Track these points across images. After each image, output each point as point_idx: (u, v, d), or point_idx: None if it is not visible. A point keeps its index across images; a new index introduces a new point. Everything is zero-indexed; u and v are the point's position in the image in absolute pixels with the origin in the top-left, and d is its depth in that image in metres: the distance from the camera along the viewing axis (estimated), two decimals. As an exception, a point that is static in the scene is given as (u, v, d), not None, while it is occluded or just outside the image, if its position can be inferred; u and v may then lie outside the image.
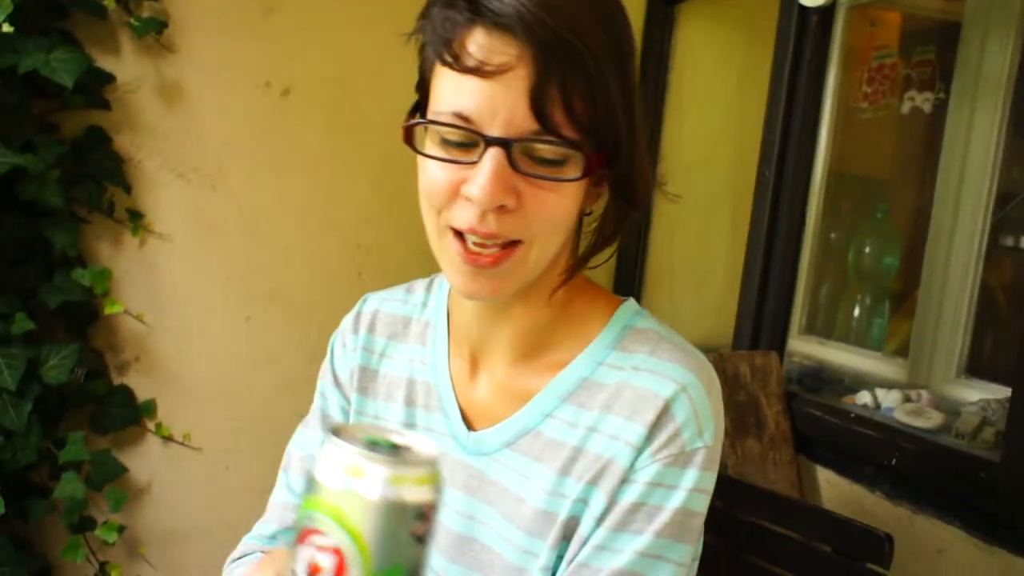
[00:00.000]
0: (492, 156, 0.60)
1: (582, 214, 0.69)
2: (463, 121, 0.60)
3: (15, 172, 1.33)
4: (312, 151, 1.70)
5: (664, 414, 0.65)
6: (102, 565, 1.50)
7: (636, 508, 0.65)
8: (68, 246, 1.43)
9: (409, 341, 0.83)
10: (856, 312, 1.80)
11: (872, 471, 1.14)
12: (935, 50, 1.64)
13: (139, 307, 1.58)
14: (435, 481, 0.46)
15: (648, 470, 0.65)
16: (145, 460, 1.63)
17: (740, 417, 1.22)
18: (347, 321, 0.87)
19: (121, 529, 1.50)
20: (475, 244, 0.63)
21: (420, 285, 0.87)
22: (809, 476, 1.24)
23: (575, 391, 0.70)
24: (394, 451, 0.46)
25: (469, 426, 0.76)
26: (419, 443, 0.47)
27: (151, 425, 1.62)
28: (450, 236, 0.64)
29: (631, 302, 0.74)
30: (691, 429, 0.65)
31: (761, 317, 1.37)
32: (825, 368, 1.57)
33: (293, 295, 1.72)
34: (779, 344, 1.37)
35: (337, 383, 0.85)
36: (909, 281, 1.67)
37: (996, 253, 1.47)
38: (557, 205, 0.63)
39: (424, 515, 0.46)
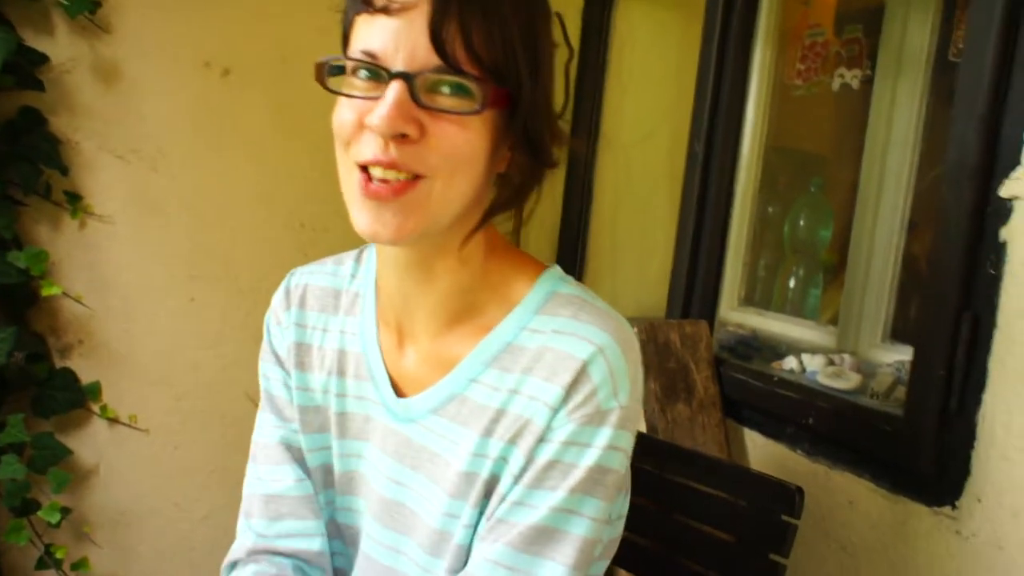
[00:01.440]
0: (393, 88, 0.63)
1: (494, 172, 0.72)
2: (370, 57, 0.64)
3: (-55, 154, 1.32)
4: (254, 131, 1.69)
5: (581, 375, 0.68)
6: (47, 547, 1.50)
7: (551, 465, 0.68)
8: (3, 228, 1.42)
9: (340, 313, 0.85)
10: (792, 283, 1.86)
11: (793, 431, 1.19)
12: (862, 28, 1.69)
13: (81, 289, 1.58)
14: None
15: (564, 429, 0.68)
16: (91, 442, 1.63)
17: (670, 383, 1.26)
18: (277, 298, 0.88)
19: (66, 511, 1.50)
20: (379, 180, 0.65)
21: (349, 257, 0.89)
22: (736, 438, 1.29)
23: (499, 355, 0.73)
24: None
25: (399, 393, 0.79)
26: None
27: (96, 407, 1.61)
28: (356, 173, 0.66)
29: (556, 268, 0.77)
30: (607, 389, 0.68)
31: (692, 288, 1.42)
32: (759, 337, 1.63)
33: (238, 275, 1.73)
34: (709, 314, 1.41)
35: (278, 360, 0.87)
36: (843, 253, 1.73)
37: (918, 224, 1.53)
38: (459, 138, 0.65)
39: None
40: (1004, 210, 0.90)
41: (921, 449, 0.96)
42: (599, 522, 0.69)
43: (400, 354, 0.80)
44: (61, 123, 1.55)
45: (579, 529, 0.68)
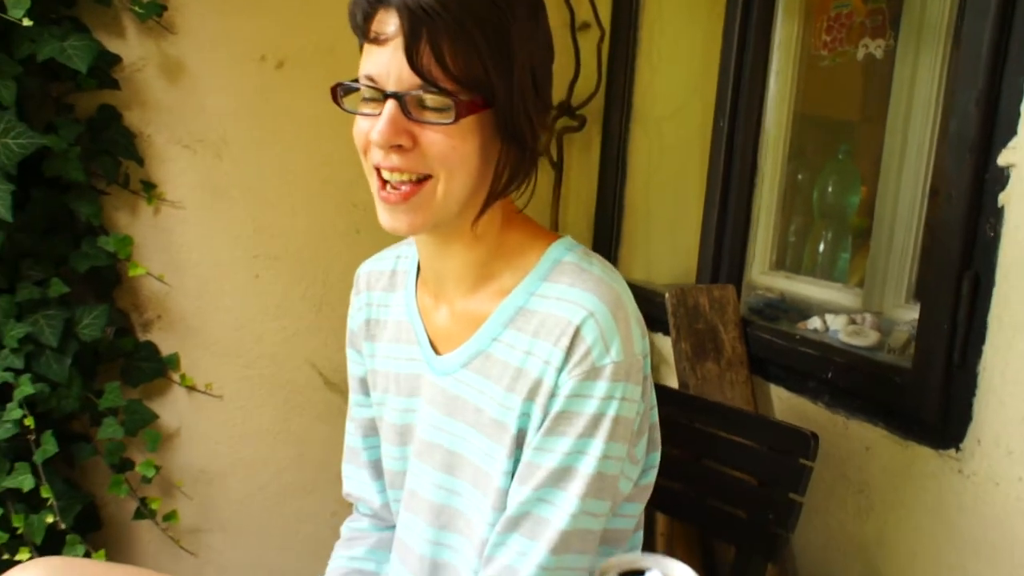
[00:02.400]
0: (388, 107, 0.76)
1: (493, 163, 0.82)
2: (370, 81, 0.78)
3: (40, 151, 1.47)
4: (307, 118, 1.82)
5: (576, 338, 0.79)
6: (143, 500, 1.68)
7: (560, 416, 0.80)
8: (92, 216, 1.58)
9: (396, 290, 0.99)
10: (821, 247, 1.93)
11: (814, 385, 1.29)
12: (887, -2, 1.75)
13: (158, 269, 1.73)
14: None
15: (567, 386, 0.80)
16: (173, 408, 1.80)
17: (699, 343, 1.37)
18: (352, 292, 1.05)
19: (157, 468, 1.68)
20: (391, 186, 0.80)
21: (403, 243, 1.03)
22: (763, 392, 1.39)
23: (514, 317, 0.85)
24: None
25: (436, 351, 0.92)
26: (673, 569, 0.60)
27: (176, 376, 1.78)
28: (375, 176, 0.81)
29: (566, 239, 0.89)
30: (599, 348, 0.79)
31: (720, 255, 1.51)
32: (787, 299, 1.71)
33: (297, 253, 1.87)
34: (737, 278, 1.51)
35: (353, 344, 1.04)
36: (871, 217, 1.80)
37: (939, 191, 1.59)
38: (444, 144, 0.77)
39: None
40: (1002, 177, 0.98)
41: (928, 398, 1.06)
42: (606, 459, 0.81)
43: (436, 316, 0.93)
44: (134, 118, 1.69)
45: (586, 467, 0.80)
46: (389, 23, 0.75)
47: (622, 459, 0.83)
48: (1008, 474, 0.97)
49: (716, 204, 1.50)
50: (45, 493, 1.42)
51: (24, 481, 1.41)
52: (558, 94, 1.95)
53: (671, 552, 1.28)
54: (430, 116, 0.77)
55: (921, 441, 1.08)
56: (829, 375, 1.23)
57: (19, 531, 1.43)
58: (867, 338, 1.31)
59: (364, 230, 1.90)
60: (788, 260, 1.92)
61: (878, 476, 1.16)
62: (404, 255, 1.00)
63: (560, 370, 0.80)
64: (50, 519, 1.44)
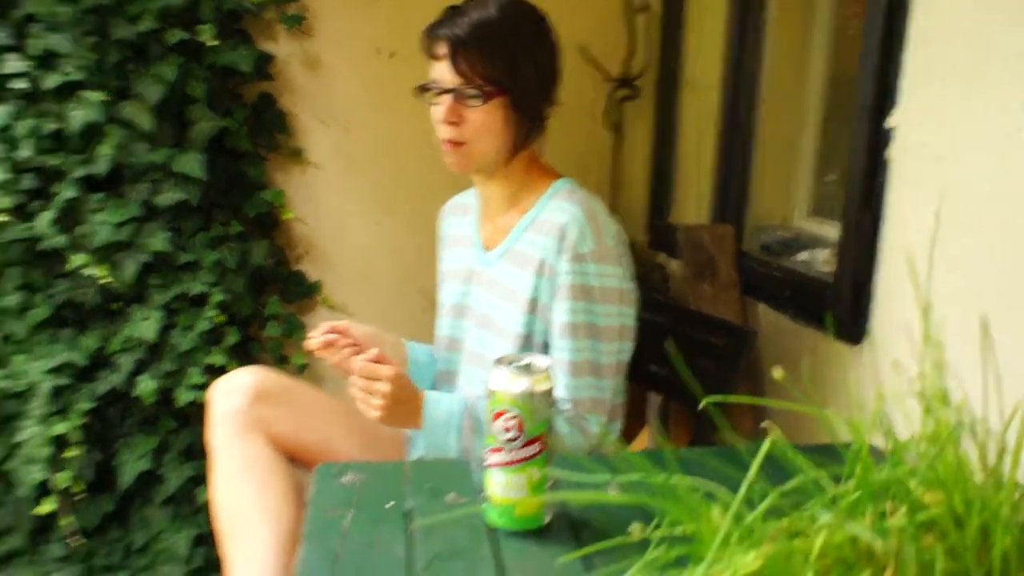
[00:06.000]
0: (444, 99, 1.27)
1: (514, 128, 1.29)
2: (435, 83, 1.27)
3: (221, 130, 2.04)
4: (414, 99, 2.29)
5: (563, 233, 1.26)
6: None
7: (561, 288, 1.27)
8: (257, 176, 2.15)
9: (467, 215, 1.48)
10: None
11: (784, 302, 1.64)
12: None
13: (304, 216, 2.29)
14: (550, 378, 0.89)
15: (562, 266, 1.26)
16: (319, 322, 2.35)
17: (699, 269, 1.74)
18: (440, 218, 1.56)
19: (306, 364, 2.26)
20: (447, 143, 1.29)
21: (473, 188, 1.50)
22: (752, 308, 1.75)
23: (531, 224, 1.32)
24: (526, 367, 0.89)
25: (486, 249, 1.39)
26: (537, 360, 0.90)
27: (320, 298, 2.34)
28: (442, 140, 1.30)
29: (567, 179, 1.36)
30: (577, 239, 1.25)
31: (726, 200, 1.86)
32: (802, 238, 2.03)
33: (408, 203, 2.35)
34: (736, 218, 1.85)
35: (441, 259, 1.53)
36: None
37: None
38: (478, 121, 1.26)
39: (549, 393, 0.88)
40: (888, 137, 1.30)
41: (842, 304, 1.40)
42: (596, 315, 1.26)
43: (486, 227, 1.43)
44: (285, 101, 2.24)
45: (583, 319, 1.25)
46: (441, 48, 1.26)
47: (611, 314, 1.26)
48: (902, 350, 1.31)
49: (723, 159, 1.85)
50: (233, 368, 2.02)
51: (218, 359, 2.02)
52: (616, 69, 2.33)
53: (665, 421, 1.69)
54: (468, 103, 1.25)
55: (844, 339, 1.42)
56: (788, 293, 1.59)
57: (214, 396, 2.05)
58: (832, 265, 1.63)
59: (458, 184, 2.36)
60: (826, 206, 2.21)
61: (817, 365, 1.51)
62: (473, 195, 1.49)
63: (558, 255, 1.25)
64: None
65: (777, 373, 0.63)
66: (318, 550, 0.88)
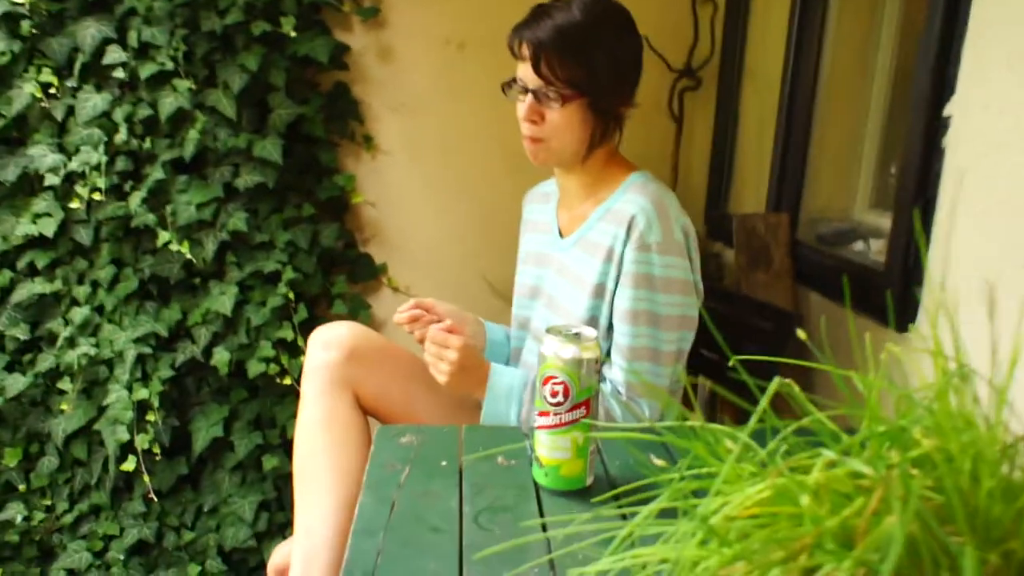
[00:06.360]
0: (527, 97, 1.31)
1: (591, 127, 1.34)
2: (520, 82, 1.33)
3: (298, 116, 2.16)
4: (482, 88, 2.32)
5: (632, 224, 1.30)
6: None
7: (625, 276, 1.31)
8: (329, 161, 2.26)
9: (548, 202, 1.54)
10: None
11: (836, 290, 1.65)
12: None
13: (374, 200, 2.39)
14: (598, 348, 0.93)
15: (628, 255, 1.30)
16: (383, 303, 2.46)
17: (753, 258, 1.77)
18: (523, 203, 1.63)
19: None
20: (528, 139, 1.34)
21: (553, 178, 1.56)
22: (805, 297, 1.77)
23: (605, 215, 1.37)
24: (576, 336, 0.93)
25: (562, 236, 1.45)
26: (586, 331, 0.94)
27: (385, 280, 2.45)
28: (525, 135, 1.35)
29: (642, 171, 1.41)
30: (644, 230, 1.29)
31: (783, 191, 1.88)
32: (859, 230, 2.03)
33: (473, 190, 2.43)
34: (792, 208, 1.87)
35: (520, 242, 1.59)
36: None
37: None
38: (557, 121, 1.31)
39: (597, 361, 0.92)
40: (945, 125, 1.31)
41: (894, 291, 1.41)
42: (658, 304, 1.29)
43: (563, 215, 1.49)
44: (358, 90, 2.34)
45: (643, 306, 1.30)
46: (524, 49, 1.31)
47: (672, 304, 1.30)
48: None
49: (780, 151, 1.86)
50: (300, 342, 2.15)
51: (288, 334, 2.14)
52: (679, 60, 2.36)
53: (713, 407, 1.72)
54: (548, 103, 1.31)
55: (888, 325, 1.44)
56: (839, 281, 1.60)
57: (285, 366, 2.17)
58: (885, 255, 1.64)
59: (520, 173, 2.42)
60: (886, 200, 2.20)
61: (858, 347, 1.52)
62: (554, 184, 1.55)
63: (625, 244, 1.30)
64: (302, 360, 2.16)
65: (801, 334, 0.67)
66: (376, 497, 0.96)
